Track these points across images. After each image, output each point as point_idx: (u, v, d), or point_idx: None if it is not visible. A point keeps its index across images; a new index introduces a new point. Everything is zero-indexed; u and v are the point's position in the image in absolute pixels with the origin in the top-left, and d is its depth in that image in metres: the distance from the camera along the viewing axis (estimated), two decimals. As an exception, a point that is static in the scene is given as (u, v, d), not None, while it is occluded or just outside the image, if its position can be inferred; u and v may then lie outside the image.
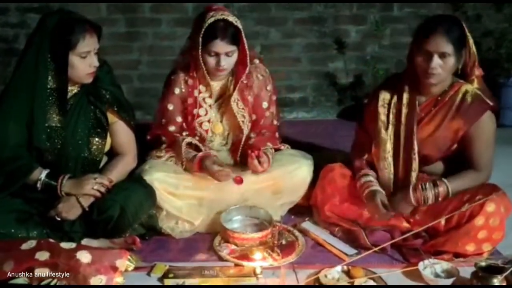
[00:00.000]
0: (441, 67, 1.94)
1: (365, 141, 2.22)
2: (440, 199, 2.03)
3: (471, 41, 2.01)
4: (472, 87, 2.04)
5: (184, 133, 2.31)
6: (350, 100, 3.95)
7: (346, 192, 2.22)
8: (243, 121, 2.34)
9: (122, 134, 2.16)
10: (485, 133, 2.03)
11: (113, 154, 2.20)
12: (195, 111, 2.32)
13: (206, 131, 2.36)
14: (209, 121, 2.36)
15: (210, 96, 2.35)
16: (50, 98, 2.02)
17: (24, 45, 2.07)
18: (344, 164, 2.30)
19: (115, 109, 2.11)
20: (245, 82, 2.32)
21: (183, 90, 2.31)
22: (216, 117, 2.38)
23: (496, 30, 3.72)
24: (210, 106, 2.35)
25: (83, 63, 1.98)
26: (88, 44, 1.97)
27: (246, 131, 2.35)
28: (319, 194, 2.28)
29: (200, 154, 2.23)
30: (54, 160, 2.07)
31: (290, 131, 2.54)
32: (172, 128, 2.32)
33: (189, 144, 2.29)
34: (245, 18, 3.57)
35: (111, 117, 2.12)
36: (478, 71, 2.06)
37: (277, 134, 2.45)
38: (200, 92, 2.32)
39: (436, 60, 1.92)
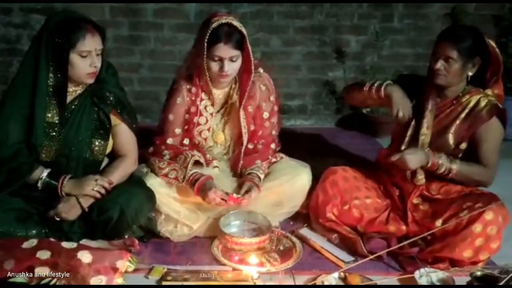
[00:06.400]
0: (445, 69, 2.08)
1: None
2: (449, 175, 2.13)
3: (500, 56, 2.14)
4: (488, 94, 2.15)
5: (184, 146, 2.26)
6: (349, 109, 3.97)
7: (348, 195, 2.24)
8: (245, 132, 2.31)
9: (124, 136, 2.17)
10: (494, 137, 2.14)
11: (114, 156, 2.20)
12: (195, 119, 2.27)
13: (205, 139, 2.33)
14: (208, 129, 2.32)
15: (212, 105, 2.30)
16: (50, 95, 2.02)
17: (27, 46, 2.08)
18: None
19: (118, 111, 2.12)
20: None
21: (187, 99, 2.25)
22: (218, 126, 2.35)
23: (494, 44, 3.77)
24: (211, 114, 2.30)
25: (84, 62, 1.98)
26: (88, 44, 1.96)
27: (245, 142, 2.31)
28: (320, 195, 2.28)
29: (202, 179, 2.14)
30: (56, 160, 2.07)
31: (287, 138, 2.54)
32: (170, 140, 2.25)
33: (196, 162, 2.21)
34: (247, 25, 3.57)
35: (114, 119, 2.13)
36: (498, 89, 2.19)
37: (273, 145, 2.40)
38: (202, 100, 2.27)
39: (440, 62, 2.07)
